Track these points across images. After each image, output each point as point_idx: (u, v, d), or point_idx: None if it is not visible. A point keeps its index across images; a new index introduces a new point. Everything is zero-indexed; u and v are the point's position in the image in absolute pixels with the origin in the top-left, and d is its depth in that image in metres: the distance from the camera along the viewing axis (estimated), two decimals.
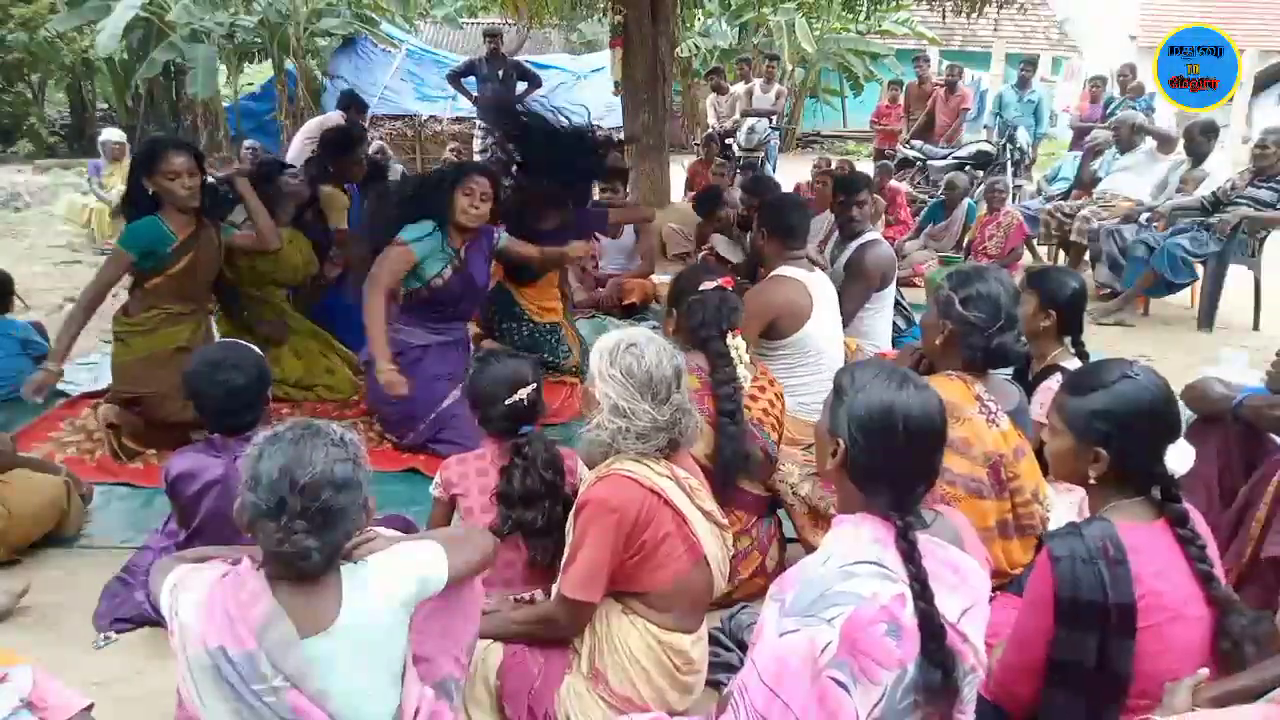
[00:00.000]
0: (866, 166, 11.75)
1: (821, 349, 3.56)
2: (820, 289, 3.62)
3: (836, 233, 4.55)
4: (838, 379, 1.71)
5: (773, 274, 3.62)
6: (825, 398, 1.73)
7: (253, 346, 2.64)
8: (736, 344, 2.75)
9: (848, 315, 4.06)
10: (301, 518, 1.54)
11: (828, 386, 1.75)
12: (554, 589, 2.18)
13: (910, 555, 1.52)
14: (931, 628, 1.49)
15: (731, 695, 1.68)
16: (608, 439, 2.11)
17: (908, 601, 1.49)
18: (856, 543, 1.57)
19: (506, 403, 2.42)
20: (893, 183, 8.41)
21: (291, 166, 5.05)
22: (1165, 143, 7.15)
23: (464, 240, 3.90)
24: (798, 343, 3.52)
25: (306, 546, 1.54)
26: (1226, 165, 6.97)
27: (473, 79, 9.38)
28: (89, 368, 4.66)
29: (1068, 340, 3.01)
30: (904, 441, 1.59)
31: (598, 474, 2.14)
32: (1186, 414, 2.65)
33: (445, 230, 3.83)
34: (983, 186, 7.42)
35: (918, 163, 9.74)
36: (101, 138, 8.89)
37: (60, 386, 4.41)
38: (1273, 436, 2.62)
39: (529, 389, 2.43)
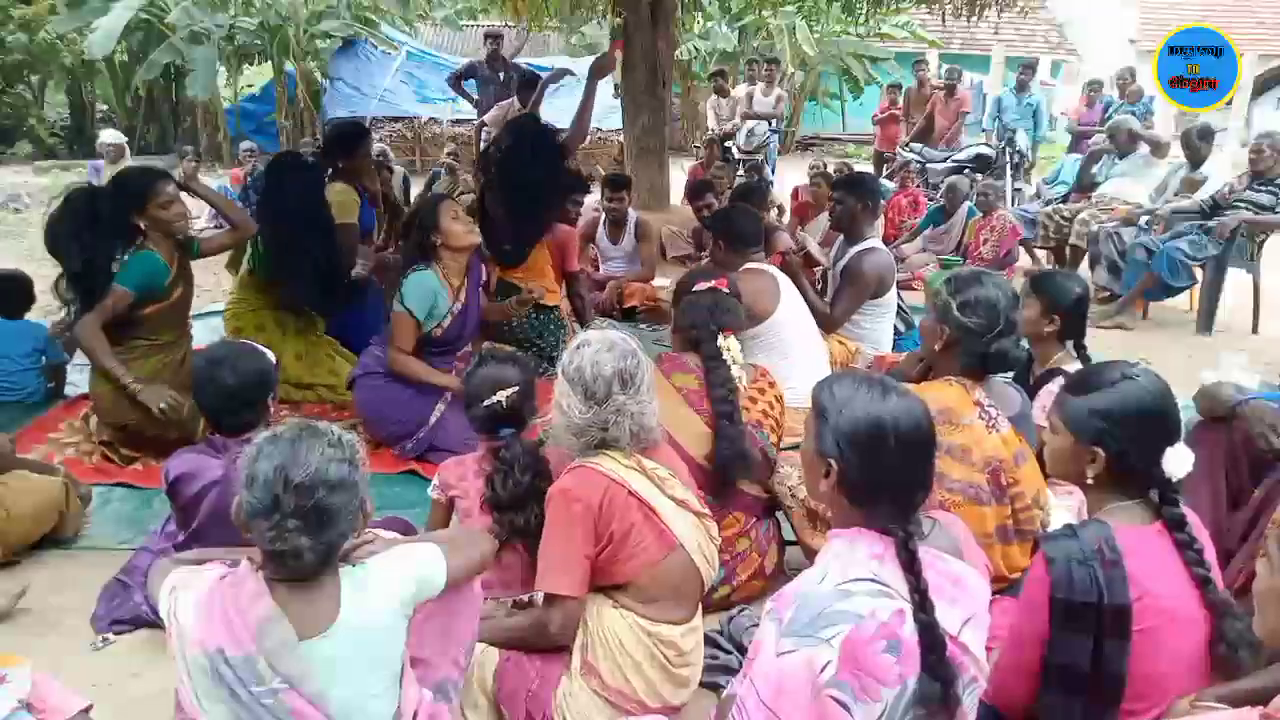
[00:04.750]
0: (865, 170, 11.77)
1: (792, 335, 3.70)
2: (785, 281, 3.83)
3: (841, 236, 4.53)
4: (817, 397, 1.66)
5: (743, 268, 3.79)
6: (805, 419, 1.70)
7: (261, 348, 2.64)
8: (729, 344, 2.77)
9: (839, 317, 4.10)
10: (295, 516, 1.54)
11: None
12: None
13: (911, 567, 1.51)
14: (932, 642, 1.47)
15: (730, 703, 1.67)
16: (556, 433, 2.19)
17: (907, 617, 1.48)
18: (852, 560, 1.55)
19: (484, 404, 2.42)
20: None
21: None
22: (1158, 148, 7.16)
23: (461, 274, 3.83)
24: (766, 331, 3.63)
25: (299, 545, 1.54)
26: (1226, 169, 6.99)
27: (473, 81, 9.39)
28: (88, 370, 4.64)
29: (1069, 344, 3.02)
30: (897, 453, 1.57)
31: (566, 469, 2.19)
32: (1189, 417, 2.65)
33: (438, 271, 3.75)
34: (975, 190, 7.44)
35: (917, 165, 9.76)
36: (101, 139, 8.90)
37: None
38: None
39: (509, 392, 2.42)
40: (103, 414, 3.71)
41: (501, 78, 9.22)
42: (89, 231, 3.48)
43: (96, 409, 3.75)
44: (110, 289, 3.51)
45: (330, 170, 4.79)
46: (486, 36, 9.76)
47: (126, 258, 3.56)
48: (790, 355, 3.60)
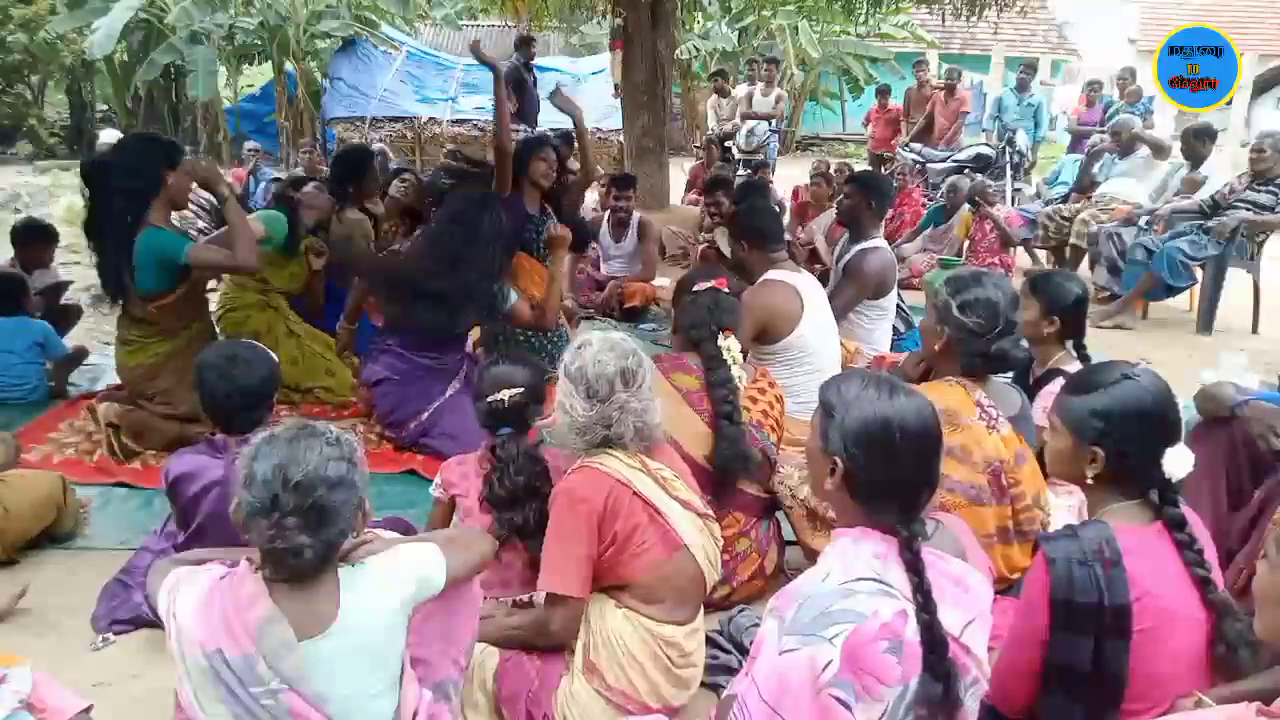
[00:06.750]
0: (866, 169, 11.77)
1: (815, 350, 3.57)
2: (810, 289, 3.63)
3: (846, 233, 4.51)
4: (823, 396, 1.67)
5: (762, 279, 3.62)
6: (812, 417, 1.70)
7: (267, 349, 2.65)
8: (728, 344, 2.77)
9: (835, 315, 4.06)
10: (294, 515, 1.54)
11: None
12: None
13: (914, 567, 1.51)
14: (934, 642, 1.47)
15: (730, 703, 1.67)
16: (560, 432, 2.20)
17: (909, 618, 1.48)
18: (856, 559, 1.55)
19: (487, 400, 2.44)
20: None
21: (315, 179, 5.04)
22: (1159, 150, 7.16)
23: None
24: (791, 345, 3.53)
25: (299, 543, 1.54)
26: (1226, 169, 6.99)
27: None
28: (88, 369, 4.65)
29: (1069, 344, 3.01)
30: (904, 452, 1.57)
31: (570, 468, 2.20)
32: (1190, 417, 2.65)
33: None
34: (973, 188, 7.42)
35: (916, 166, 9.76)
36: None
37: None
38: None
39: (512, 392, 2.43)
40: (125, 381, 3.75)
41: (531, 80, 9.39)
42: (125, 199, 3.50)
43: (120, 378, 3.80)
44: (192, 254, 3.55)
45: (339, 195, 4.87)
46: (521, 42, 9.92)
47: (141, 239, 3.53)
48: (817, 370, 3.49)
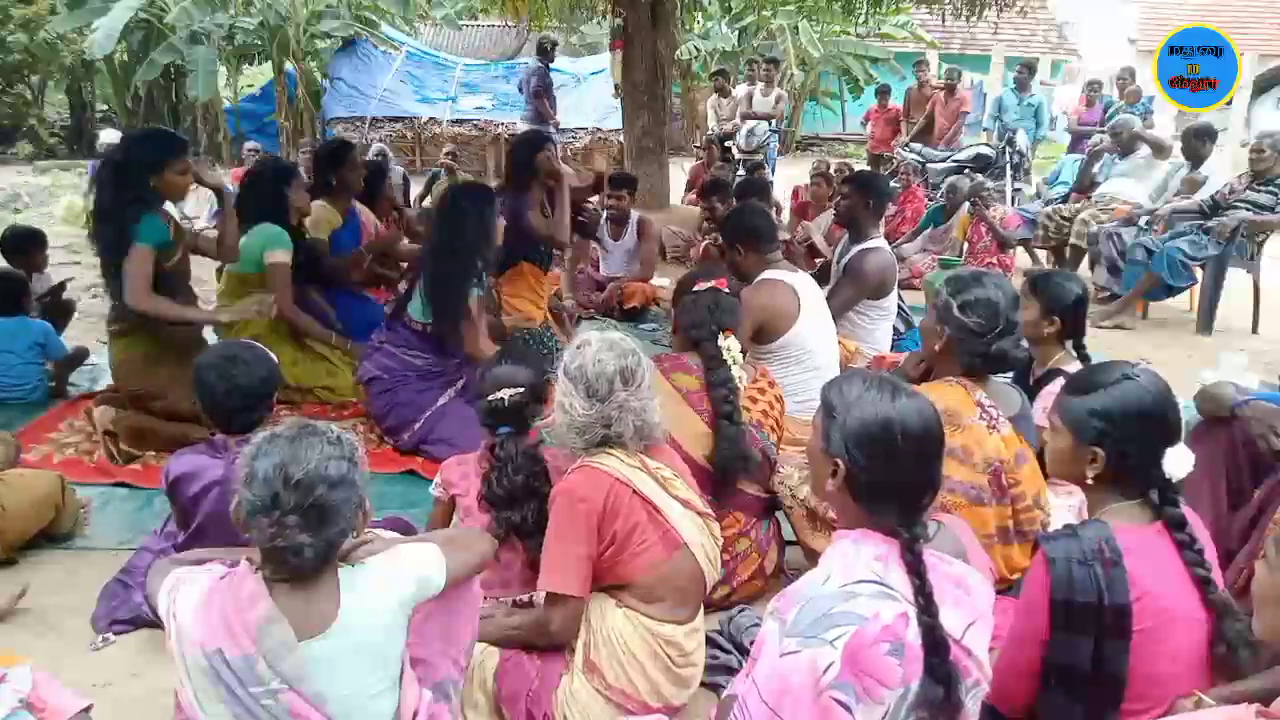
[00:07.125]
0: (865, 169, 11.77)
1: (813, 349, 3.57)
2: (806, 288, 3.64)
3: (846, 233, 4.52)
4: (825, 396, 1.67)
5: (759, 279, 3.62)
6: (814, 417, 1.70)
7: (266, 349, 2.65)
8: (729, 344, 2.77)
9: (833, 313, 4.07)
10: (295, 513, 1.54)
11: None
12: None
13: (916, 570, 1.51)
14: (935, 645, 1.47)
15: (730, 703, 1.67)
16: (560, 431, 2.21)
17: (911, 620, 1.48)
18: (857, 561, 1.55)
19: (487, 399, 2.44)
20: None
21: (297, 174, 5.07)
22: (1159, 150, 7.16)
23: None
24: (788, 344, 3.53)
25: (299, 542, 1.54)
26: (1226, 169, 6.98)
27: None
28: (88, 370, 4.65)
29: (1069, 344, 3.02)
30: (906, 454, 1.57)
31: (570, 468, 2.21)
32: (1190, 417, 2.65)
33: None
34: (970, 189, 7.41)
35: (916, 166, 9.75)
36: (101, 139, 8.92)
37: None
38: None
39: (511, 393, 2.43)
40: (119, 378, 3.75)
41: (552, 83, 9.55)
42: (113, 185, 3.58)
43: (114, 375, 3.79)
44: (131, 253, 3.54)
45: (320, 185, 4.90)
46: (541, 48, 10.11)
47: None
48: (815, 369, 3.50)
